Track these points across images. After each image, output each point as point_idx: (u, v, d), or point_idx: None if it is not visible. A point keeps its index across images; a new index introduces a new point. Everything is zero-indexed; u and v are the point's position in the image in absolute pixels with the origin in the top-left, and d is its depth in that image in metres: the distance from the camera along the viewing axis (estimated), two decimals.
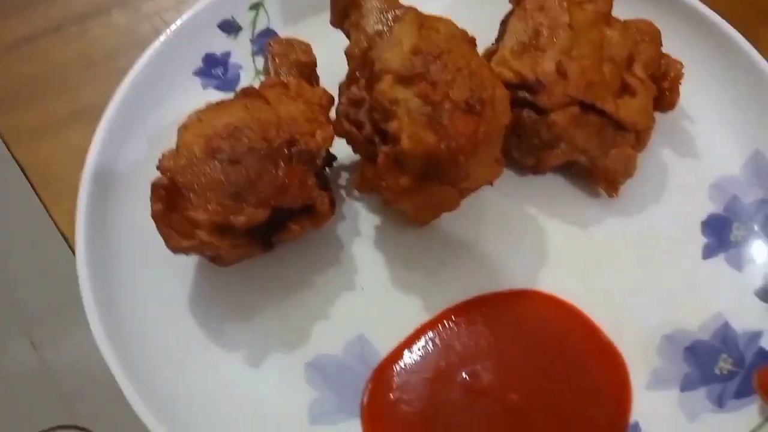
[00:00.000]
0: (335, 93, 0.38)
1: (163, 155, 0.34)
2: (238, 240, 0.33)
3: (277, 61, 0.40)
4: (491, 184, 0.36)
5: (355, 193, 0.40)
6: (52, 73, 0.49)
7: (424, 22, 0.35)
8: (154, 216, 0.33)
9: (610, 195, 0.39)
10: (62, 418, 1.02)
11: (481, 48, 0.40)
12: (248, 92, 0.37)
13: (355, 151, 0.38)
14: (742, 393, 0.32)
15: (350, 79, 0.38)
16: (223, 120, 0.34)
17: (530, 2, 0.39)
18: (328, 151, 0.37)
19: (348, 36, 0.39)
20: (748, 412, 0.31)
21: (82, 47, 0.51)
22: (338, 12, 0.40)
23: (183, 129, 0.35)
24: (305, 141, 0.34)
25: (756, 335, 0.34)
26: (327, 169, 0.39)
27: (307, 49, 0.41)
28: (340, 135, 0.37)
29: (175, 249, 0.33)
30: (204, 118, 0.35)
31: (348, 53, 0.38)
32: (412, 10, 0.36)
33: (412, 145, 0.32)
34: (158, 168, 0.34)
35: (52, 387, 1.07)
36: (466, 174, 0.34)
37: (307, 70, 0.40)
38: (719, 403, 0.32)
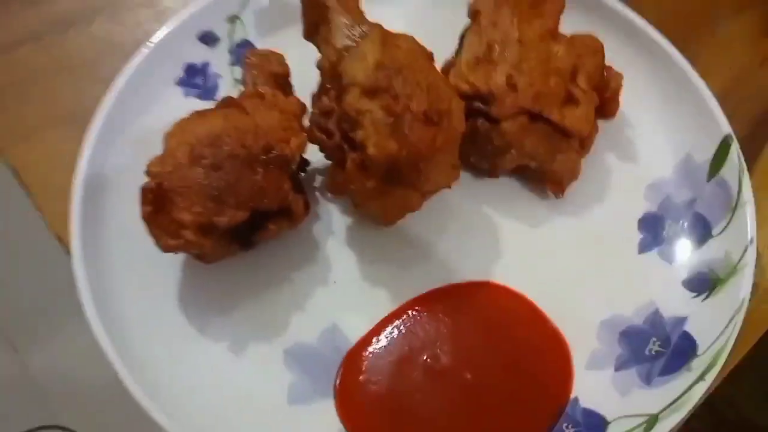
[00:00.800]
0: (308, 101, 0.42)
1: (151, 161, 0.37)
2: (221, 239, 0.36)
3: (254, 72, 0.43)
4: (449, 187, 0.40)
5: (328, 195, 0.44)
6: (34, 80, 0.51)
7: (387, 39, 0.38)
8: (144, 217, 0.36)
9: (557, 196, 0.43)
10: (45, 419, 1.02)
11: (442, 60, 0.44)
12: (228, 102, 0.40)
13: (326, 157, 0.41)
14: (667, 371, 0.36)
15: (321, 91, 0.41)
16: (205, 128, 0.37)
17: (484, 18, 0.43)
18: (302, 157, 0.40)
19: (319, 49, 0.42)
20: (671, 388, 0.35)
21: (63, 56, 0.52)
22: (309, 26, 0.43)
23: (168, 137, 0.37)
24: (281, 147, 0.37)
25: (681, 320, 0.38)
26: (301, 173, 0.42)
27: (281, 60, 0.44)
28: (313, 142, 0.40)
29: (165, 248, 0.36)
30: (187, 127, 0.37)
31: (319, 66, 0.41)
32: (377, 27, 0.40)
33: (377, 152, 0.36)
34: (146, 173, 0.37)
35: (34, 390, 1.06)
36: (426, 178, 0.38)
37: (282, 80, 0.43)
38: (647, 380, 0.36)
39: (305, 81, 0.42)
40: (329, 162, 0.42)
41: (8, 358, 1.10)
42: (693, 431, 0.70)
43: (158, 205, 0.36)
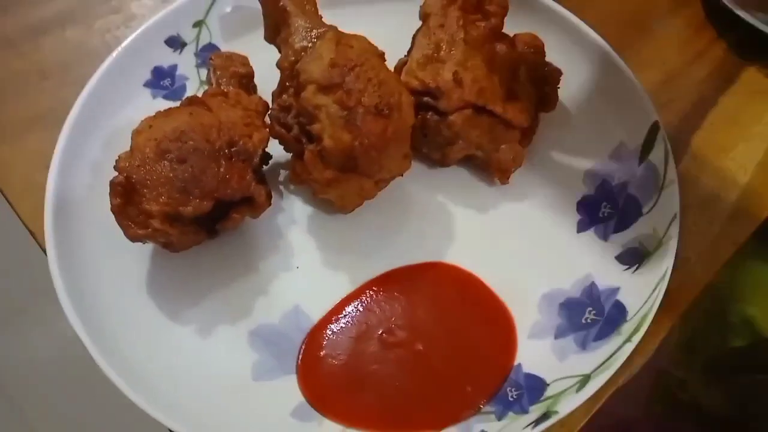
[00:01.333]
0: (270, 99, 0.45)
1: (120, 157, 0.39)
2: (187, 227, 0.39)
3: (218, 72, 0.46)
4: (401, 175, 0.43)
5: (291, 186, 0.47)
6: (9, 84, 0.53)
7: (341, 39, 0.41)
8: (113, 209, 0.38)
9: (503, 182, 0.46)
10: (16, 428, 1.03)
11: (396, 59, 0.47)
12: (192, 100, 0.43)
13: (286, 150, 0.44)
14: (600, 336, 0.39)
15: (281, 88, 0.44)
16: (171, 125, 0.39)
17: (433, 20, 0.46)
18: (264, 151, 0.42)
19: (279, 50, 0.45)
20: (603, 351, 0.38)
21: (37, 60, 0.55)
22: (270, 29, 0.46)
23: (136, 134, 0.40)
24: (243, 142, 0.40)
25: (614, 290, 0.41)
26: (264, 166, 0.45)
27: (245, 61, 0.47)
28: (274, 136, 0.43)
29: (133, 238, 0.38)
30: (154, 124, 0.40)
31: (279, 65, 0.44)
32: (332, 29, 0.43)
33: (333, 143, 0.39)
34: (115, 168, 0.39)
35: (5, 398, 1.07)
36: (379, 167, 0.41)
37: (245, 80, 0.46)
38: (583, 346, 0.39)
39: (269, 81, 0.45)
40: (271, 154, 0.46)
41: None
42: (652, 414, 0.74)
43: (127, 198, 0.38)
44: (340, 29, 0.43)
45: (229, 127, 0.40)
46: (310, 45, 0.42)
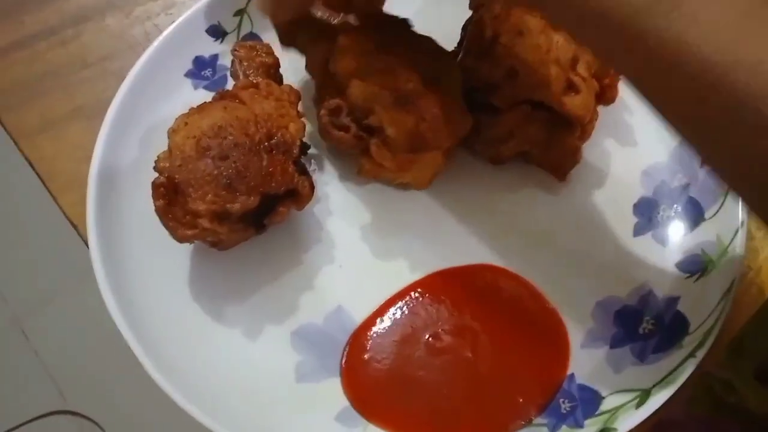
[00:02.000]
0: (300, 89, 0.43)
1: (158, 157, 0.38)
2: (235, 225, 0.38)
3: (244, 64, 0.44)
4: (467, 132, 0.42)
5: (335, 182, 0.45)
6: (49, 75, 0.53)
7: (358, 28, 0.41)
8: (158, 211, 0.38)
9: (560, 180, 0.44)
10: (56, 404, 1.05)
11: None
12: (224, 95, 0.41)
13: (346, 151, 0.43)
14: (659, 349, 0.37)
15: (320, 92, 0.43)
16: (207, 121, 0.38)
17: (486, 11, 0.44)
18: (302, 141, 0.41)
19: (303, 52, 0.44)
20: (663, 364, 0.36)
21: (77, 50, 0.54)
22: (285, 36, 0.45)
23: (172, 132, 0.39)
24: (281, 134, 0.39)
25: (674, 300, 0.39)
26: (302, 156, 0.43)
27: (269, 50, 0.46)
28: (334, 142, 0.42)
29: (182, 239, 0.38)
30: (189, 121, 0.39)
31: (309, 70, 0.42)
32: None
33: (395, 130, 0.38)
34: (155, 169, 0.38)
35: (45, 375, 1.09)
36: (443, 136, 0.40)
37: (272, 70, 0.45)
38: (641, 357, 0.38)
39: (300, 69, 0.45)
40: (326, 146, 0.45)
41: (19, 344, 1.13)
42: (694, 415, 0.72)
43: (170, 199, 0.37)
44: None
45: (265, 119, 0.39)
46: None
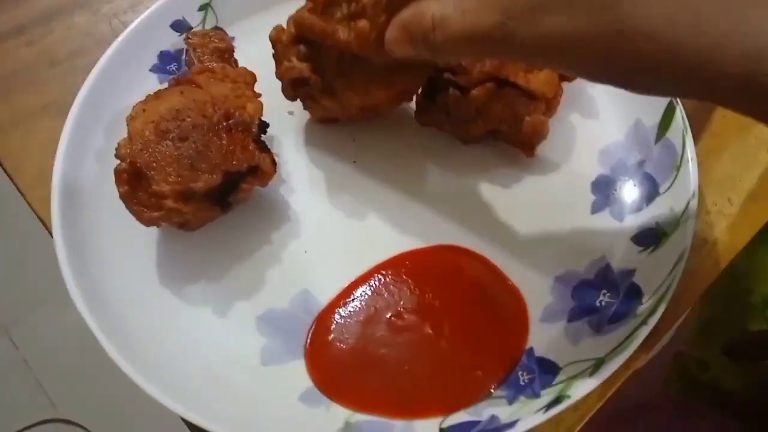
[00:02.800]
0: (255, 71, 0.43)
1: (119, 144, 0.39)
2: (200, 203, 0.39)
3: (198, 51, 0.45)
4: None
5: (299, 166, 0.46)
6: (19, 72, 0.54)
7: None
8: (122, 197, 0.38)
9: (528, 156, 0.44)
10: (47, 413, 1.05)
11: None
12: (180, 80, 0.42)
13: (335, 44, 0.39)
14: (615, 319, 0.38)
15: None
16: (165, 106, 0.39)
17: None
18: (260, 120, 0.42)
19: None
20: (618, 333, 0.37)
21: (46, 47, 0.55)
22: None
23: (131, 120, 0.40)
24: (239, 113, 0.40)
25: (630, 272, 0.40)
26: (262, 134, 0.44)
27: (222, 36, 0.46)
28: (318, 34, 0.39)
29: (148, 222, 0.38)
30: (147, 107, 0.40)
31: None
32: None
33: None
34: (116, 156, 0.39)
35: (35, 383, 1.09)
36: None
37: (227, 55, 0.45)
38: (597, 329, 0.38)
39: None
40: (285, 130, 0.46)
41: (7, 351, 1.12)
42: (669, 396, 0.72)
43: (134, 184, 0.38)
44: None
45: (222, 101, 0.40)
46: None
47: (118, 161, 0.38)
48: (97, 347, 0.37)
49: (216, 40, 0.44)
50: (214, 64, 0.42)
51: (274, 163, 0.41)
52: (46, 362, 1.10)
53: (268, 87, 0.43)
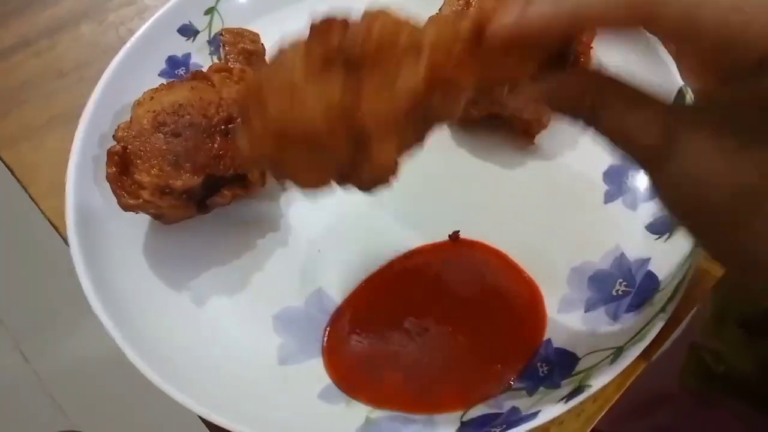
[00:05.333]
0: None
1: (119, 126, 0.39)
2: (177, 201, 0.39)
3: (227, 48, 0.46)
4: None
5: None
6: (27, 85, 0.54)
7: None
8: (108, 178, 0.39)
9: (529, 143, 0.44)
10: (58, 425, 1.05)
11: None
12: (197, 75, 0.42)
13: None
14: (631, 308, 0.38)
15: None
16: (171, 98, 0.40)
17: None
18: None
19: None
20: (636, 322, 0.37)
21: (53, 59, 0.55)
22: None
23: (137, 104, 0.40)
24: None
25: (645, 261, 0.40)
26: None
27: (255, 38, 0.46)
28: None
29: (125, 207, 0.39)
30: (155, 96, 0.40)
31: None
32: None
33: None
34: (114, 137, 0.39)
35: (46, 396, 1.09)
36: None
37: (254, 58, 0.46)
38: (614, 317, 0.38)
39: None
40: None
41: (18, 365, 1.12)
42: (686, 388, 0.72)
43: (123, 168, 0.39)
44: None
45: (229, 104, 0.40)
46: None
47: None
48: (110, 359, 0.37)
49: (247, 42, 0.44)
50: (237, 65, 0.42)
51: (263, 175, 0.41)
52: (57, 375, 1.11)
53: None
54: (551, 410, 0.34)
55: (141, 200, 0.38)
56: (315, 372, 0.39)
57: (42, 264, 1.09)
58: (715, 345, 0.64)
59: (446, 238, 0.43)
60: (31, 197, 0.49)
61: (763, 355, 0.57)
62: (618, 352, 0.36)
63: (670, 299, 0.36)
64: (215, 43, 0.51)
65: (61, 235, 0.45)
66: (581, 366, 0.37)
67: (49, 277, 1.10)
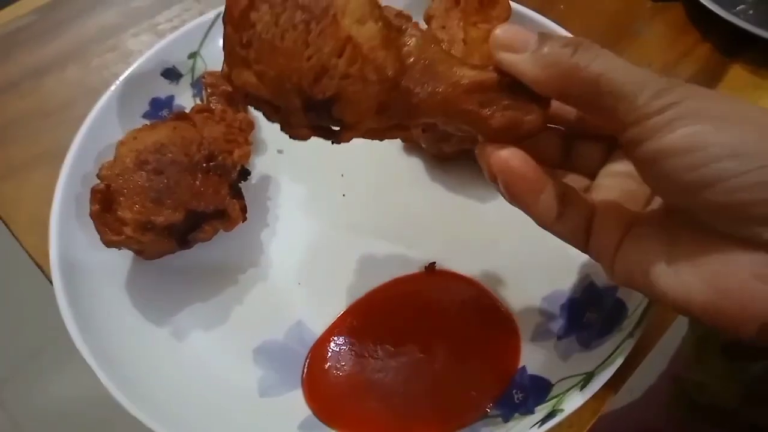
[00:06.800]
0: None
1: (103, 165, 0.41)
2: (159, 236, 0.40)
3: (209, 90, 0.47)
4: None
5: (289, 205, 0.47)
6: (13, 124, 0.55)
7: None
8: (91, 215, 0.40)
9: None
10: None
11: None
12: (179, 115, 0.44)
13: None
14: (602, 334, 0.39)
15: None
16: (153, 138, 0.41)
17: (435, 23, 0.47)
18: (242, 167, 0.44)
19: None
20: (605, 348, 0.38)
21: (38, 100, 0.57)
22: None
23: (120, 144, 0.42)
24: (222, 157, 0.42)
25: (614, 289, 0.41)
26: (242, 181, 0.45)
27: None
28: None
29: (108, 243, 0.40)
30: (138, 136, 0.42)
31: None
32: None
33: None
34: (98, 176, 0.40)
35: None
36: None
37: (235, 99, 0.47)
38: (586, 345, 0.39)
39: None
40: (271, 176, 0.47)
41: None
42: (672, 419, 0.73)
43: (106, 205, 0.40)
44: None
45: (210, 142, 0.42)
46: None
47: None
48: (91, 398, 0.37)
49: (227, 84, 0.46)
50: (218, 106, 0.44)
51: (243, 210, 0.43)
52: (36, 424, 1.08)
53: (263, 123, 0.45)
54: None
55: (124, 236, 0.39)
56: (295, 403, 0.40)
57: (18, 307, 1.07)
58: (698, 376, 0.65)
59: (423, 269, 0.44)
60: (12, 234, 0.49)
61: (745, 383, 0.59)
62: (589, 377, 0.37)
63: (638, 324, 0.38)
64: (198, 85, 0.52)
65: (43, 272, 0.46)
66: (554, 392, 0.38)
67: (25, 321, 1.09)
